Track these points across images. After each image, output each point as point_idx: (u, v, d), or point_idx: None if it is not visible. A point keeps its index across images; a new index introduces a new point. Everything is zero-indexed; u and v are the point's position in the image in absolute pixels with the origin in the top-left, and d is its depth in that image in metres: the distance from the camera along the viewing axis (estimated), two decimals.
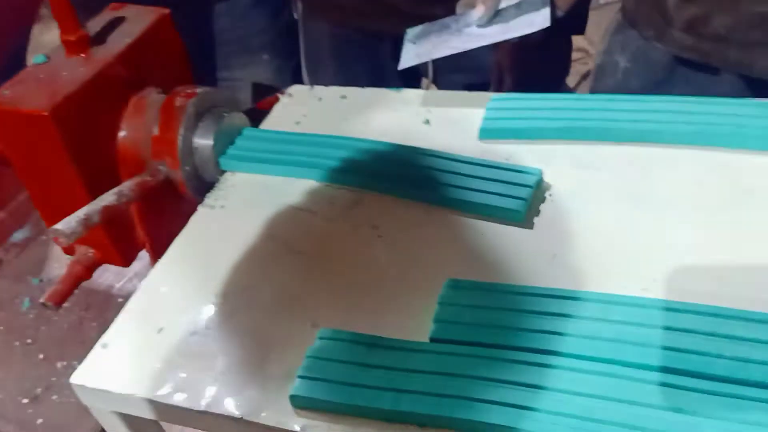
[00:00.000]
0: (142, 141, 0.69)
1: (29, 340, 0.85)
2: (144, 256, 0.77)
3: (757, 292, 0.47)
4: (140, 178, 0.65)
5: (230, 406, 0.49)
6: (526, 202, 0.57)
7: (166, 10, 0.73)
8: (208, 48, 0.92)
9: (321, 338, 0.50)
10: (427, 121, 0.69)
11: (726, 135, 0.58)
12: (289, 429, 0.47)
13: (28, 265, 0.94)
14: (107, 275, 0.89)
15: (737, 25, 0.66)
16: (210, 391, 0.50)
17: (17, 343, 0.84)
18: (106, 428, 0.59)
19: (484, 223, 0.58)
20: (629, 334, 0.44)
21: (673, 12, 0.70)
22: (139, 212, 0.74)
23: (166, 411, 0.51)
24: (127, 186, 0.64)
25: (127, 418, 0.56)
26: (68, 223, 0.58)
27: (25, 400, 0.78)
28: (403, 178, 0.61)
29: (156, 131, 0.67)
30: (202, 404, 0.49)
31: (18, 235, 0.98)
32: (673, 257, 0.51)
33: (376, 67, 0.93)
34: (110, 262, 0.77)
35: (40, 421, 0.76)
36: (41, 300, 0.74)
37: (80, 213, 0.59)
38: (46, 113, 0.61)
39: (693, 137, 0.59)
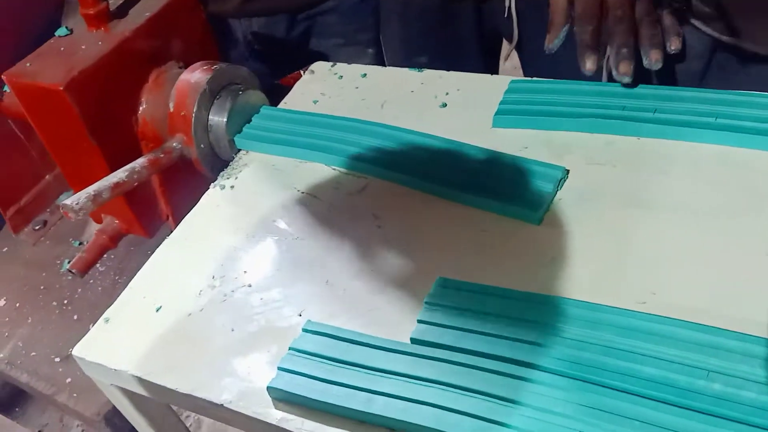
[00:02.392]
0: (160, 116, 0.69)
1: (66, 301, 0.89)
2: None
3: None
4: (153, 155, 0.65)
5: (213, 392, 0.49)
6: (545, 205, 0.54)
7: None
8: (315, 41, 0.92)
9: (305, 331, 0.50)
10: (444, 105, 0.66)
11: (754, 135, 0.53)
12: (266, 420, 0.47)
13: (70, 227, 0.97)
14: (142, 242, 0.91)
15: None
16: (197, 375, 0.50)
17: (54, 303, 0.88)
18: (111, 400, 0.61)
19: (489, 218, 0.55)
20: (615, 353, 0.41)
21: None
22: (161, 185, 0.75)
23: (155, 390, 0.52)
24: (139, 163, 0.64)
25: (128, 393, 0.57)
26: (77, 199, 0.60)
27: (57, 359, 0.82)
28: (411, 166, 0.59)
29: (171, 107, 0.67)
30: (187, 387, 0.50)
31: (63, 198, 1.01)
32: (677, 269, 0.47)
33: (454, 33, 0.88)
34: (134, 233, 0.79)
35: (69, 380, 0.80)
36: (66, 267, 0.77)
37: (90, 189, 0.61)
38: (61, 88, 0.62)
39: (718, 136, 0.54)
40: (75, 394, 0.80)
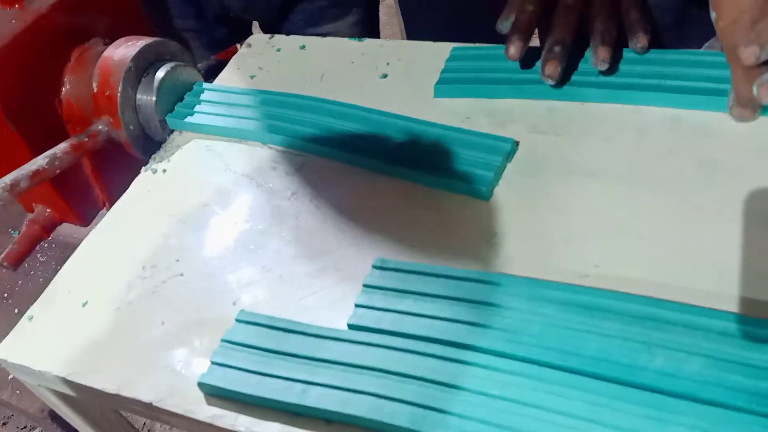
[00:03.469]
0: (86, 97, 0.65)
1: (6, 294, 0.85)
2: None
3: (707, 285, 0.41)
4: (76, 140, 0.61)
5: (141, 390, 0.46)
6: (493, 179, 0.51)
7: None
8: (298, 3, 0.88)
9: (238, 321, 0.47)
10: (384, 75, 0.63)
11: (704, 96, 0.51)
12: (197, 418, 0.44)
13: (9, 217, 0.92)
14: (83, 231, 0.87)
15: None
16: (124, 373, 0.47)
17: None
18: (46, 402, 0.58)
19: (433, 194, 0.52)
20: (556, 330, 0.40)
21: None
22: (93, 170, 0.71)
23: (82, 391, 0.49)
24: (61, 148, 0.60)
25: (60, 394, 0.54)
26: None
27: None
28: (350, 142, 0.56)
29: (95, 88, 0.63)
30: (113, 387, 0.47)
31: None
32: (622, 241, 0.45)
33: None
34: (69, 221, 0.75)
35: (11, 376, 0.77)
36: None
37: (6, 178, 0.57)
38: None
39: (665, 99, 0.52)
40: (18, 391, 0.77)
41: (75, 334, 0.51)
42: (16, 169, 0.59)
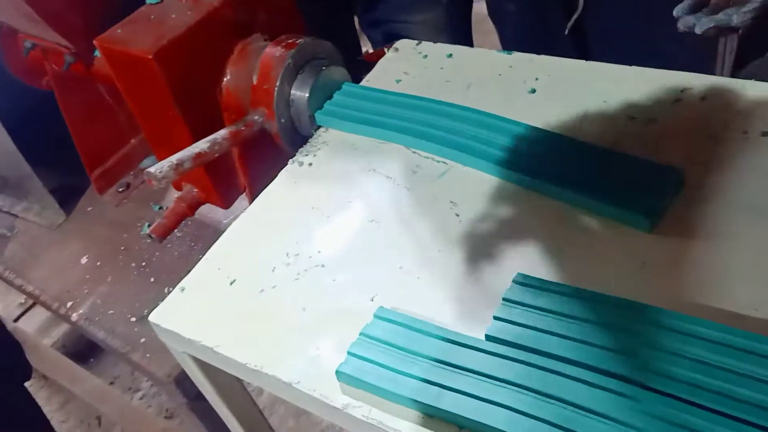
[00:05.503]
0: (244, 89, 0.69)
1: (144, 263, 0.91)
2: None
3: None
4: (235, 128, 0.66)
5: (281, 370, 0.49)
6: (658, 212, 0.49)
7: None
8: None
9: (377, 317, 0.49)
10: (533, 90, 0.63)
11: None
12: (332, 404, 0.46)
13: (151, 191, 0.99)
14: (217, 211, 0.92)
15: None
16: (266, 352, 0.50)
17: (133, 265, 0.90)
18: (182, 365, 0.62)
19: (586, 217, 0.52)
20: (705, 369, 0.39)
21: None
22: (240, 158, 0.76)
23: (225, 362, 0.52)
24: (221, 134, 0.65)
25: (198, 361, 0.58)
26: (160, 167, 0.60)
27: (133, 319, 0.84)
28: (496, 154, 0.57)
29: (255, 80, 0.67)
30: (257, 363, 0.50)
31: (147, 162, 1.04)
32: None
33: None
34: (211, 203, 0.80)
35: (143, 340, 0.82)
36: (146, 232, 0.79)
37: (173, 158, 0.61)
38: (150, 56, 0.63)
39: None
40: (148, 355, 0.82)
41: (223, 309, 0.55)
42: (174, 146, 0.64)
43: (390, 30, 0.98)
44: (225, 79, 0.70)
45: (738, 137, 0.53)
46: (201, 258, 0.60)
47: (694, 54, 0.67)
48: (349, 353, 0.47)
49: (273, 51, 0.66)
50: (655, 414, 0.38)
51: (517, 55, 0.67)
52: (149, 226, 0.80)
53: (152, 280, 0.89)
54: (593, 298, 0.44)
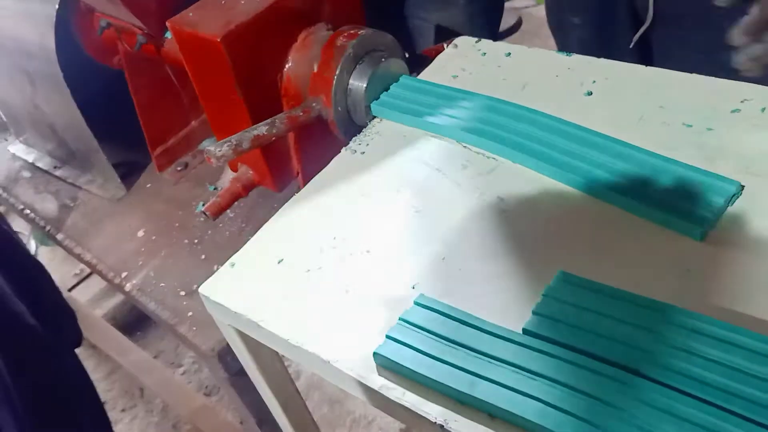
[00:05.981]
0: (304, 76, 0.71)
1: (196, 240, 0.94)
2: None
3: None
4: (293, 113, 0.68)
5: (321, 347, 0.51)
6: (712, 221, 0.49)
7: None
8: None
9: (417, 304, 0.50)
10: (589, 93, 0.63)
11: None
12: (368, 384, 0.48)
13: (207, 172, 1.03)
14: (270, 196, 0.95)
15: None
16: (308, 329, 0.52)
17: (186, 241, 0.94)
18: (225, 337, 0.65)
19: (635, 223, 0.52)
20: (741, 377, 0.38)
21: None
22: (295, 143, 0.78)
23: (268, 337, 0.54)
24: (279, 118, 0.67)
25: (243, 335, 0.61)
26: (220, 146, 0.63)
27: (183, 293, 0.87)
28: (548, 154, 0.57)
29: (315, 68, 0.69)
30: (299, 339, 0.52)
31: (206, 143, 1.07)
32: None
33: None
34: (265, 185, 0.82)
35: (190, 313, 0.85)
36: (201, 209, 0.82)
37: (233, 138, 0.64)
38: (218, 39, 0.65)
39: None
40: (194, 328, 0.85)
41: (269, 286, 0.56)
42: (233, 128, 0.67)
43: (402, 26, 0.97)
44: (287, 66, 0.72)
45: None
46: (250, 239, 0.62)
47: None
48: (387, 336, 0.48)
49: (335, 40, 0.68)
50: (684, 417, 0.38)
51: (576, 57, 0.67)
52: (204, 204, 0.83)
53: (203, 257, 0.92)
54: (631, 299, 0.44)
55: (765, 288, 0.45)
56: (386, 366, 0.47)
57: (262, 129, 0.65)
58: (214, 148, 0.63)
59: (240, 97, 0.70)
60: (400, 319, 0.49)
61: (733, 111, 0.56)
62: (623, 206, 0.52)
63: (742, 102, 0.56)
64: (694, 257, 0.48)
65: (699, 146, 0.55)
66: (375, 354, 0.48)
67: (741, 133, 0.54)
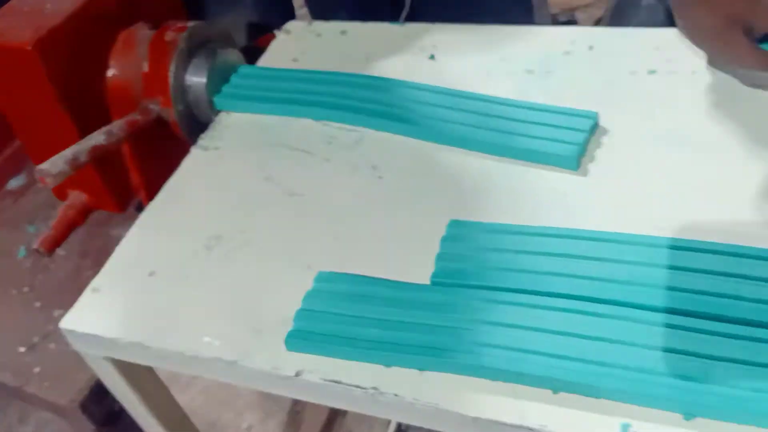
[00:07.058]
0: (132, 79, 0.65)
1: (26, 288, 0.83)
2: None
3: None
4: (131, 117, 0.62)
5: (224, 350, 0.47)
6: (581, 150, 0.52)
7: None
8: None
9: (319, 280, 0.48)
10: (432, 56, 0.65)
11: None
12: (284, 374, 0.45)
13: (24, 212, 0.91)
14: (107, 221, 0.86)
15: None
16: (202, 335, 0.48)
17: (14, 292, 0.82)
18: (99, 375, 0.58)
19: (500, 163, 0.54)
20: (641, 275, 0.42)
21: None
22: (132, 154, 0.71)
23: (159, 356, 0.49)
24: (116, 125, 0.61)
25: (120, 365, 0.54)
26: (54, 163, 0.56)
27: (22, 349, 0.76)
28: (406, 116, 0.58)
29: (146, 68, 0.63)
30: (195, 348, 0.47)
31: (14, 183, 0.95)
32: (688, 196, 0.48)
33: None
34: (104, 208, 0.74)
35: (37, 369, 0.75)
36: (34, 246, 0.72)
37: (67, 152, 0.57)
38: (29, 47, 0.58)
39: None
40: (46, 384, 0.75)
41: (145, 302, 0.51)
42: (59, 150, 0.59)
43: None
44: (110, 71, 0.66)
45: (628, 78, 0.58)
46: (91, 273, 0.55)
47: None
48: (295, 319, 0.46)
49: (163, 36, 0.63)
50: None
51: (410, 26, 0.69)
52: (26, 249, 0.74)
53: (38, 304, 0.82)
54: (519, 230, 0.46)
55: (637, 200, 0.49)
56: (301, 349, 0.45)
57: (99, 138, 0.59)
58: (48, 165, 0.55)
59: (64, 112, 0.63)
60: (304, 298, 0.47)
61: (565, 53, 0.61)
62: (496, 153, 0.54)
63: (571, 44, 0.61)
64: (573, 185, 0.51)
65: (545, 89, 0.58)
66: (287, 340, 0.45)
67: (577, 70, 0.59)
